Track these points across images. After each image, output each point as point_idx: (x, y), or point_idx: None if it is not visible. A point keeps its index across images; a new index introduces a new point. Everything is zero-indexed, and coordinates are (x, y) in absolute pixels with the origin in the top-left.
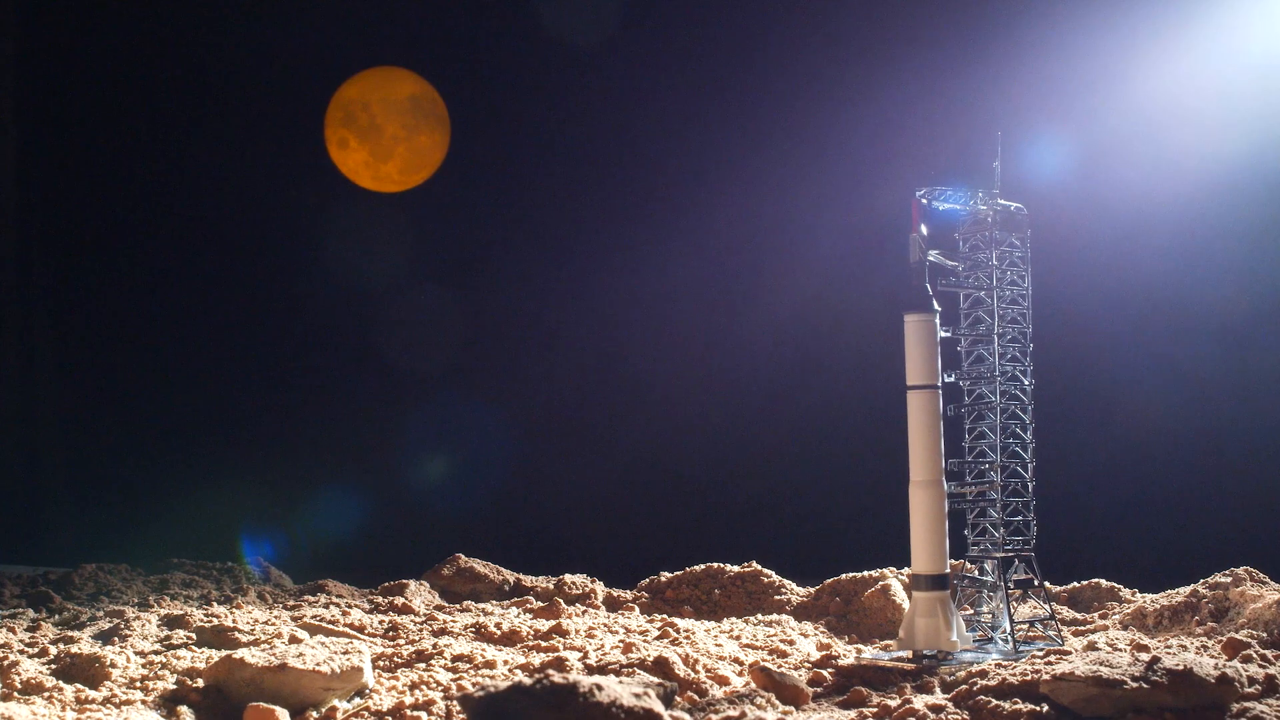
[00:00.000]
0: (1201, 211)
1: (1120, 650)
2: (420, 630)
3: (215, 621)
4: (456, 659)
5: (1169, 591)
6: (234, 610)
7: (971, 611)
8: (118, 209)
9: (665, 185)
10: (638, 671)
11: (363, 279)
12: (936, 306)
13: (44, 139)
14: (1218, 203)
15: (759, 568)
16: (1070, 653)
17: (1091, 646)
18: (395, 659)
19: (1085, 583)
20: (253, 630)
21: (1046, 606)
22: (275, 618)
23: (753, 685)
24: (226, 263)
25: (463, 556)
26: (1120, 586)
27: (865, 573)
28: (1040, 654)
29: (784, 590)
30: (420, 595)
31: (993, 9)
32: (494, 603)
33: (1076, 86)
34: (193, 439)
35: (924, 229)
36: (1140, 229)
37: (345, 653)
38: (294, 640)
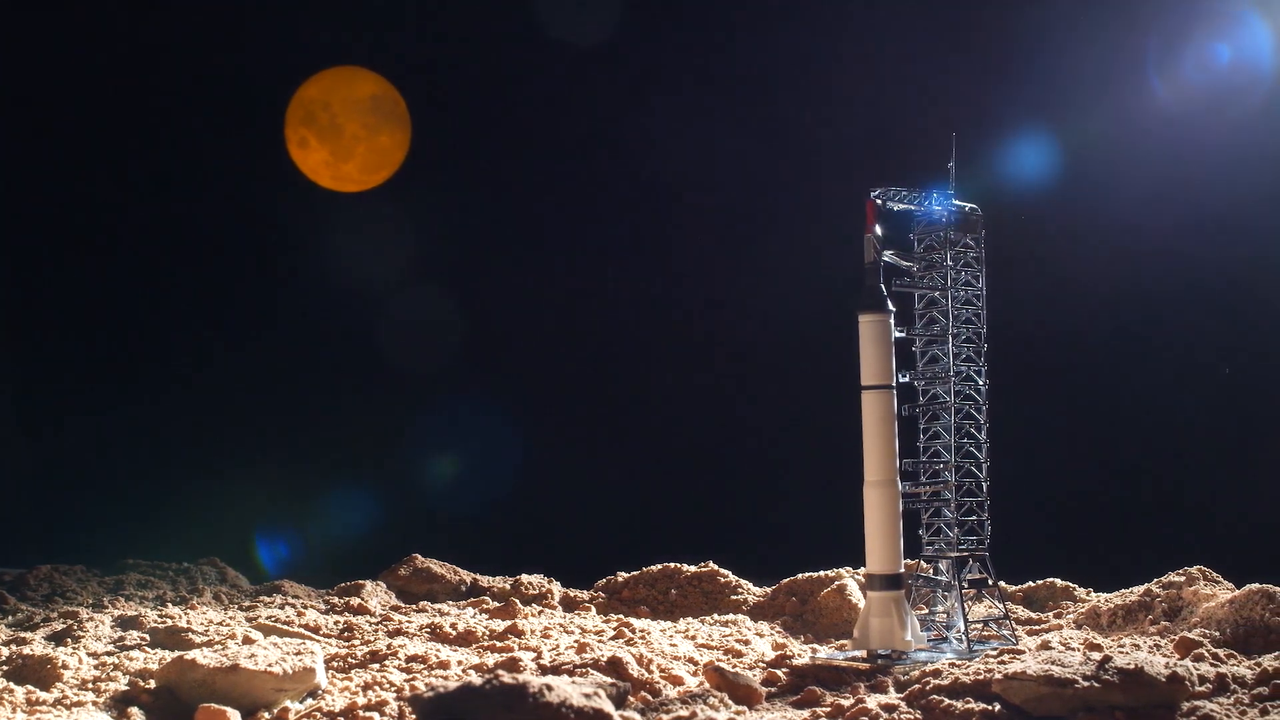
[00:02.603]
0: (1169, 217)
1: (1073, 649)
2: (375, 631)
3: (169, 623)
4: (411, 659)
5: (1123, 591)
6: (188, 611)
7: (926, 611)
8: (89, 207)
9: (620, 186)
10: (591, 672)
11: (357, 282)
12: (891, 306)
13: (19, 140)
14: (1182, 209)
15: (716, 568)
16: (1024, 652)
17: (1045, 645)
18: (349, 659)
19: (1040, 582)
20: (206, 631)
21: (1001, 606)
22: (230, 618)
23: (706, 685)
24: (204, 262)
25: (419, 557)
26: (1075, 586)
27: (822, 572)
28: (994, 653)
29: (741, 590)
30: (377, 596)
31: (971, 11)
32: (450, 603)
33: (1060, 89)
34: (179, 440)
35: (879, 229)
36: (1105, 233)
37: (298, 653)
38: (247, 641)
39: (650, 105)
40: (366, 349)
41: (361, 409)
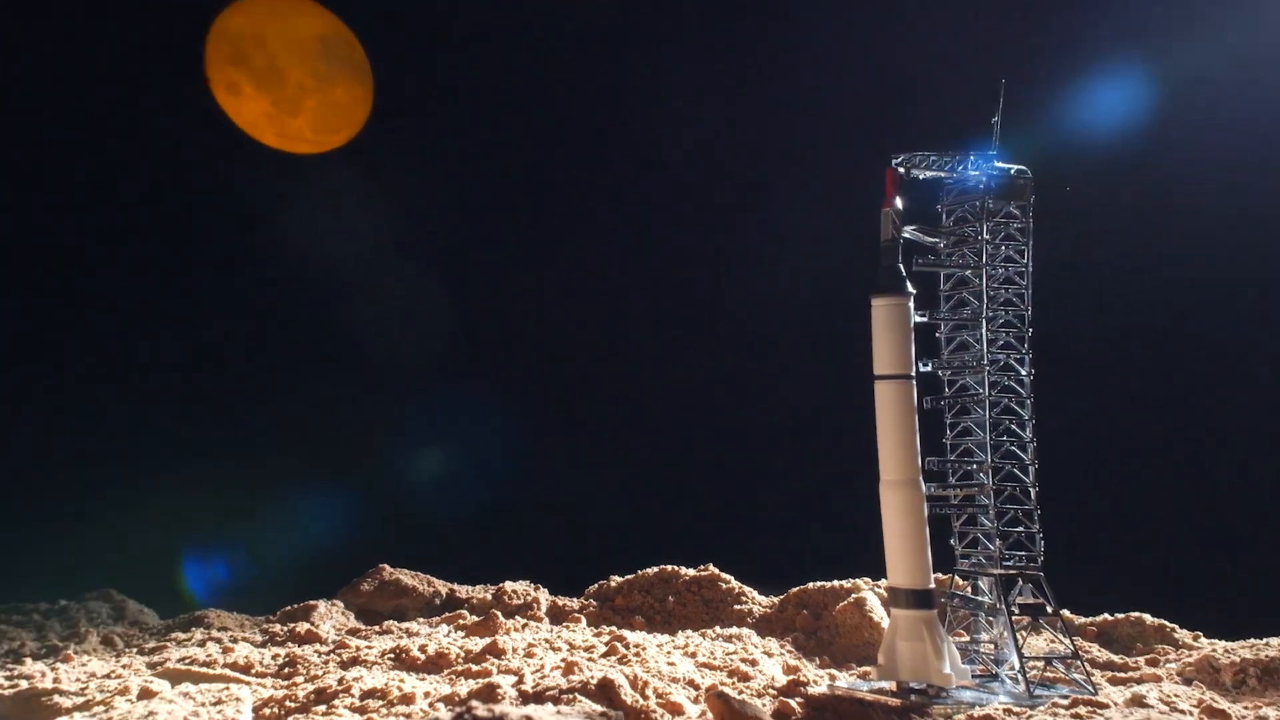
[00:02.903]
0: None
1: (1182, 711)
2: (325, 662)
3: (22, 685)
4: (367, 695)
5: (1253, 641)
6: (58, 665)
7: (968, 639)
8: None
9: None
10: (579, 698)
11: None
12: (911, 288)
13: None
14: None
15: (717, 572)
16: (1108, 705)
17: (1138, 701)
18: (288, 703)
19: (1121, 616)
20: (84, 689)
21: (1067, 641)
22: (123, 667)
23: (709, 715)
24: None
25: (387, 568)
26: (1175, 626)
27: (836, 582)
28: (1064, 701)
29: (745, 599)
30: (330, 618)
31: None
32: (421, 620)
33: (1147, 14)
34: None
35: (899, 202)
36: (1193, 196)
37: (218, 703)
38: (146, 695)
39: (647, 72)
40: (342, 341)
41: (333, 405)
